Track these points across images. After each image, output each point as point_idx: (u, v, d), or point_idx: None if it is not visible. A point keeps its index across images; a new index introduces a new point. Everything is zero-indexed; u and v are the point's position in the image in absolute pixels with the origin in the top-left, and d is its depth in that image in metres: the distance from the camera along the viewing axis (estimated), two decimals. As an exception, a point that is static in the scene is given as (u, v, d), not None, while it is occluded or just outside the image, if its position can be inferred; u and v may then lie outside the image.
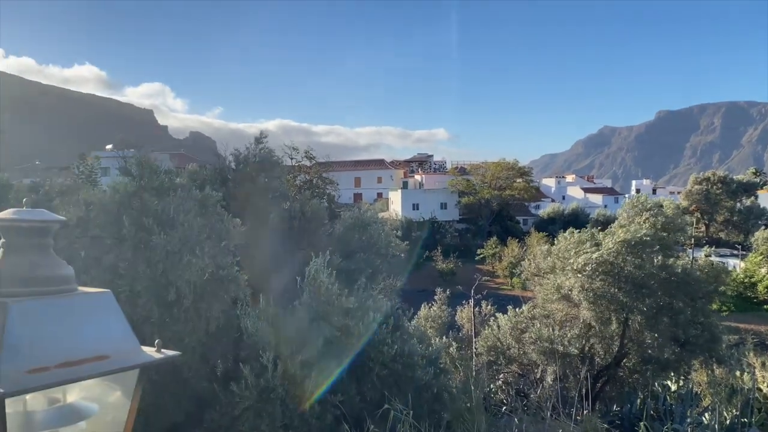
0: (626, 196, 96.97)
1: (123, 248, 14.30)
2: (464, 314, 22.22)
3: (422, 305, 22.92)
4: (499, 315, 13.89)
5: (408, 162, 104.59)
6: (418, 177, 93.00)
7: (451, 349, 14.05)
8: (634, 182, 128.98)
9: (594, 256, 10.12)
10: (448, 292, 24.36)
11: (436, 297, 23.10)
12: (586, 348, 10.72)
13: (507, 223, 75.56)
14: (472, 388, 7.13)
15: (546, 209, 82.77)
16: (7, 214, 2.07)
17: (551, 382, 9.62)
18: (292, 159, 52.78)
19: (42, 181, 29.72)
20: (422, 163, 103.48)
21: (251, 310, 10.76)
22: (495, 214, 76.36)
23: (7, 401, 1.72)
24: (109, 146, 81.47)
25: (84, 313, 2.00)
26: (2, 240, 2.05)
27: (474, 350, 13.78)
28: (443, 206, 77.64)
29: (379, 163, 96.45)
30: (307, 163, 56.22)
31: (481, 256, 64.37)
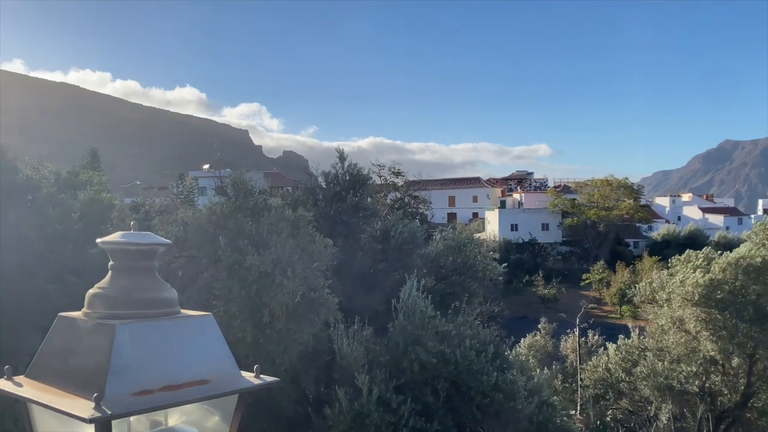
0: (751, 216, 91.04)
1: (218, 268, 14.92)
2: (569, 344, 21.50)
3: (523, 333, 22.41)
4: (607, 345, 13.36)
5: (506, 180, 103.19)
6: (516, 196, 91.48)
7: (555, 381, 13.66)
8: (760, 201, 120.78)
9: (708, 279, 9.56)
10: (544, 320, 23.72)
11: (539, 325, 22.53)
12: (707, 385, 10.09)
13: (615, 246, 72.76)
14: (579, 424, 6.90)
15: (659, 231, 79.05)
16: (116, 236, 2.22)
17: (666, 422, 9.11)
18: (380, 177, 53.39)
19: (142, 201, 31.41)
20: (521, 181, 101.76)
21: (344, 332, 10.89)
22: (602, 236, 73.73)
23: (113, 423, 1.83)
24: (206, 166, 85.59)
25: (186, 336, 2.11)
26: (111, 262, 2.20)
27: (579, 382, 13.29)
28: (544, 227, 75.85)
29: (475, 181, 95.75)
30: (397, 180, 56.67)
31: (587, 281, 62.23)
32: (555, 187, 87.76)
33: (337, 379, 7.83)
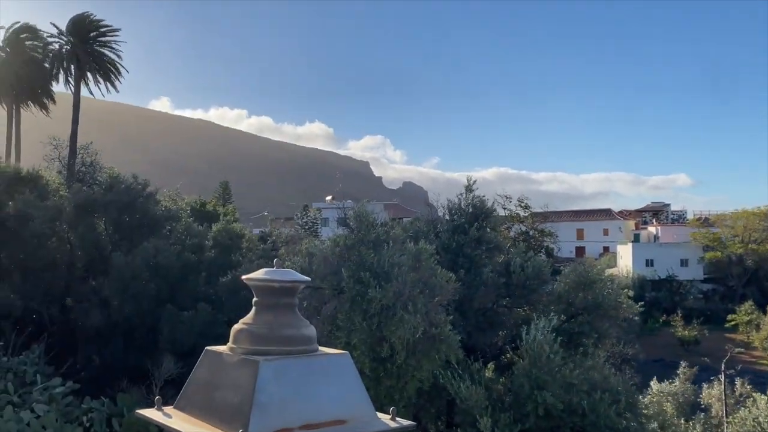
0: None
1: (341, 300, 15.27)
2: (712, 392, 20.02)
3: (659, 378, 21.13)
4: (756, 395, 12.32)
5: (640, 212, 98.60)
6: (651, 229, 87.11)
7: (696, 433, 12.76)
8: None
9: None
10: (685, 363, 22.21)
11: (679, 370, 21.19)
12: None
13: (765, 285, 67.10)
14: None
15: (818, 269, 72.09)
16: (260, 274, 2.36)
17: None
18: (504, 209, 52.64)
19: (270, 231, 32.79)
20: (657, 213, 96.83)
21: (465, 373, 10.72)
22: (750, 274, 68.31)
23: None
24: (328, 198, 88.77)
25: (325, 374, 2.19)
26: (255, 298, 2.34)
27: (726, 437, 12.32)
28: (683, 263, 71.41)
29: (606, 213, 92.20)
30: (522, 213, 55.66)
31: (732, 323, 57.79)
32: (696, 218, 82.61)
33: (458, 421, 7.74)
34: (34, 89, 42.08)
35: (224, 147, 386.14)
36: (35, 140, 39.71)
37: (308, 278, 2.38)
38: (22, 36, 42.10)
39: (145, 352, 20.92)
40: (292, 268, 2.57)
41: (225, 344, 2.73)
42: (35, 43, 42.73)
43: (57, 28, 41.68)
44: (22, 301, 20.99)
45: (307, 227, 60.17)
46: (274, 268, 2.41)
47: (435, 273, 13.28)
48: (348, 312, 13.83)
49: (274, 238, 34.16)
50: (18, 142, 41.89)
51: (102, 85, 42.71)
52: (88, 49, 41.88)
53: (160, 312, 21.85)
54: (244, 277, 2.39)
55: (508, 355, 14.39)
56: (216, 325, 20.72)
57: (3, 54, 41.72)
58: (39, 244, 22.69)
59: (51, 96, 43.69)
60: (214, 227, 26.12)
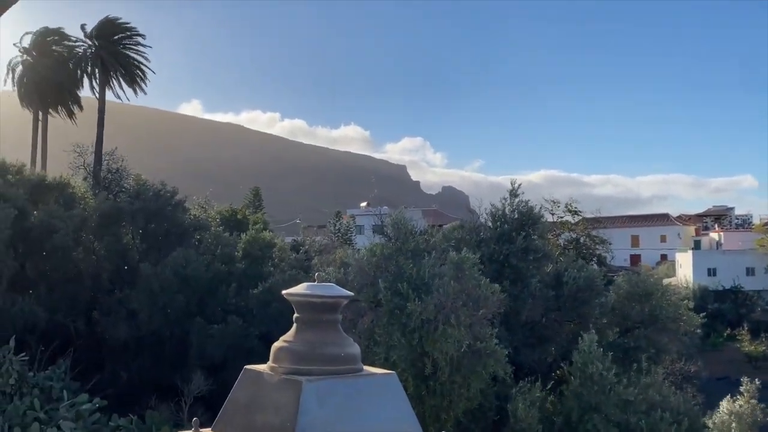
0: None
1: (379, 313, 15.26)
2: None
3: (724, 397, 20.62)
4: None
5: (700, 216, 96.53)
6: (714, 235, 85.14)
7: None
8: None
9: None
10: (758, 383, 21.64)
11: (742, 388, 20.65)
12: None
13: (842, 296, 65.12)
14: None
15: None
16: (301, 289, 2.39)
17: None
18: (553, 214, 52.02)
19: (302, 240, 32.93)
20: (719, 217, 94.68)
21: (514, 391, 10.65)
22: (824, 284, 66.35)
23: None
24: (363, 204, 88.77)
25: (371, 395, 2.20)
26: (296, 314, 2.36)
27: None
28: (750, 272, 69.61)
29: (663, 218, 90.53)
30: (571, 219, 54.94)
31: (806, 337, 56.13)
32: (763, 223, 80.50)
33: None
34: (60, 93, 43.17)
35: (255, 152, 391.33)
36: (60, 147, 40.68)
37: (351, 293, 2.39)
38: (48, 39, 43.20)
39: (174, 367, 21.25)
40: (326, 279, 2.60)
41: (256, 358, 2.76)
42: (62, 46, 43.88)
43: (84, 31, 42.71)
44: (47, 314, 21.49)
45: (341, 235, 60.42)
46: (315, 283, 2.43)
47: (479, 284, 13.21)
48: (386, 326, 13.84)
49: (306, 247, 34.44)
50: (44, 149, 42.94)
51: (128, 89, 43.70)
52: (113, 51, 42.88)
53: (189, 325, 22.18)
54: (284, 292, 2.41)
55: (558, 372, 14.20)
56: (247, 339, 20.94)
57: (29, 58, 42.86)
58: (64, 255, 23.22)
59: (77, 101, 44.77)
60: (245, 236, 26.43)
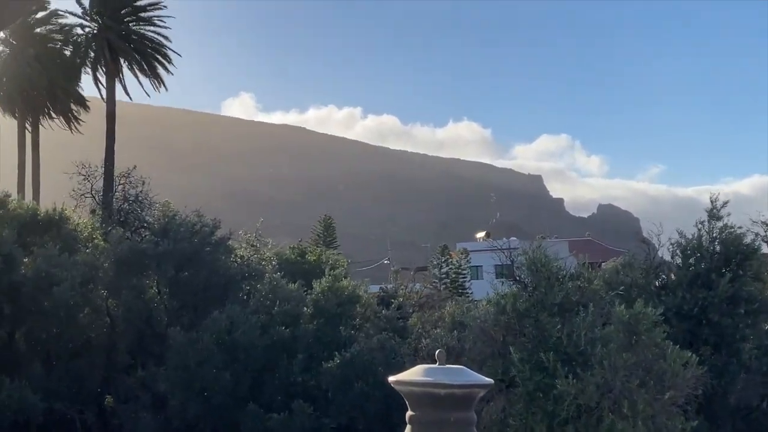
0: None
1: (512, 396, 14.97)
2: None
3: None
4: None
5: None
6: None
7: None
8: None
9: None
10: None
11: None
12: None
13: None
14: None
15: None
16: (416, 375, 2.26)
17: None
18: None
19: (394, 289, 32.59)
20: None
21: None
22: None
23: None
24: (480, 234, 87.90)
25: None
26: (410, 413, 2.23)
27: None
28: None
29: None
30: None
31: None
32: None
33: None
34: (53, 94, 44.28)
35: (324, 165, 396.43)
36: (57, 167, 41.30)
37: (490, 380, 2.25)
38: (33, 20, 43.67)
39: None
40: (435, 347, 2.46)
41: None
42: (53, 29, 44.78)
43: (81, 5, 43.59)
44: (45, 402, 21.99)
45: (449, 281, 60.08)
46: (437, 365, 2.30)
47: (663, 353, 12.79)
48: (524, 415, 13.59)
49: (401, 299, 34.34)
50: (36, 171, 44.36)
51: (145, 82, 44.73)
52: (123, 31, 43.68)
53: (238, 414, 22.37)
54: (392, 379, 2.29)
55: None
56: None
57: (7, 48, 44.10)
58: (67, 319, 23.81)
59: (79, 101, 45.86)
60: (315, 286, 26.52)
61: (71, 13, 44.24)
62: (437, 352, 2.32)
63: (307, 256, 34.07)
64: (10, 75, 43.25)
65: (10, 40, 43.91)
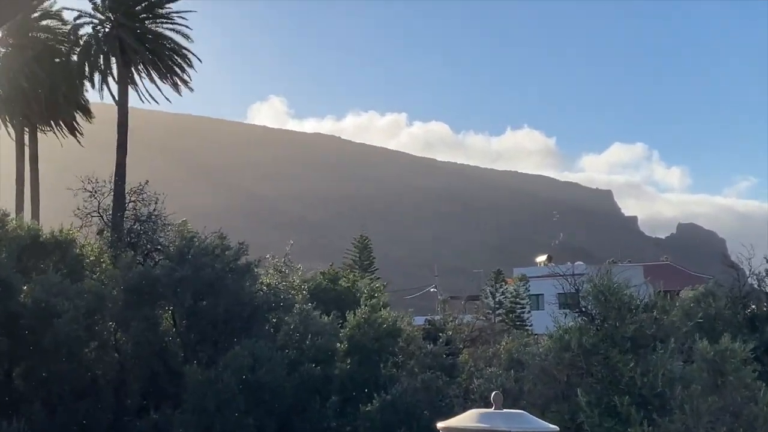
0: None
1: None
2: None
3: None
4: None
5: None
6: None
7: None
8: None
9: None
10: None
11: None
12: None
13: None
14: None
15: None
16: (470, 421, 2.26)
17: None
18: None
19: (442, 321, 32.62)
20: None
21: None
22: None
23: None
24: (541, 258, 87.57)
25: None
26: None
27: None
28: None
29: None
30: None
31: None
32: None
33: None
34: (55, 101, 44.57)
35: (362, 179, 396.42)
36: (60, 182, 41.44)
37: (555, 427, 2.27)
38: (33, 17, 44.12)
39: None
40: (489, 389, 2.46)
41: None
42: (56, 27, 45.42)
43: (92, 1, 43.58)
44: (47, 449, 22.20)
45: (505, 312, 59.80)
46: (493, 409, 2.31)
47: (754, 395, 12.67)
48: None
49: (450, 333, 34.22)
50: (35, 186, 44.82)
51: (161, 86, 44.90)
52: (137, 29, 43.74)
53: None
54: (441, 425, 2.31)
55: None
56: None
57: (3, 48, 44.65)
58: (71, 354, 23.97)
59: (84, 109, 46.23)
60: (351, 318, 26.50)
61: (78, 10, 44.62)
62: (493, 394, 2.31)
63: (340, 282, 34.07)
64: (8, 81, 43.54)
65: (9, 39, 44.25)
